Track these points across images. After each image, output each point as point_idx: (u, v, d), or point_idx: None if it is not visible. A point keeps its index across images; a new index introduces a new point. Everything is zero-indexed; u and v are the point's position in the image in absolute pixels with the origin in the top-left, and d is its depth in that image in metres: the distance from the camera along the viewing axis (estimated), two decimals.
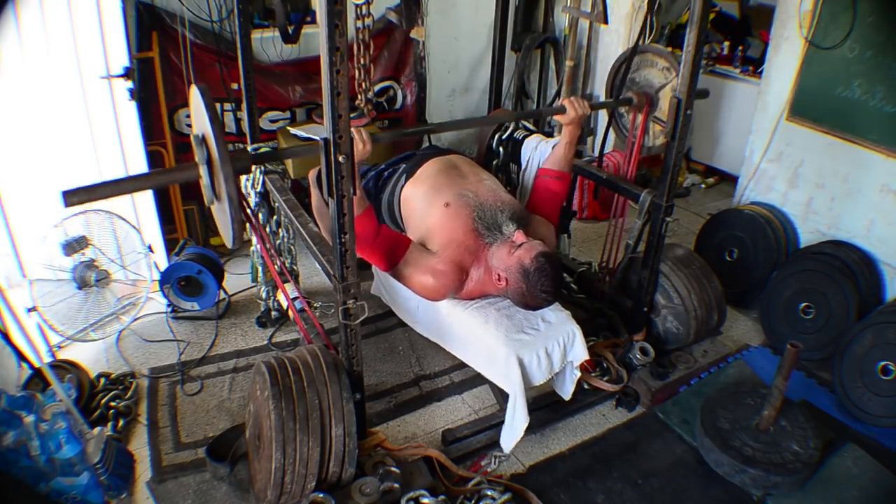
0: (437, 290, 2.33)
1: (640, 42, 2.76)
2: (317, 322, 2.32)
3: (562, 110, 2.51)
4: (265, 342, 2.99)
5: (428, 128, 2.27)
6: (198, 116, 1.82)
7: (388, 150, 3.43)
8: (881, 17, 2.86)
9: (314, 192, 2.91)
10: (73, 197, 1.60)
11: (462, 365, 2.68)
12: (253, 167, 2.82)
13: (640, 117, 2.73)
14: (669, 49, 4.57)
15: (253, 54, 2.83)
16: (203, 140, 1.74)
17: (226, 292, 3.19)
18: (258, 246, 2.96)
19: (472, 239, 2.33)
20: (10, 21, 2.64)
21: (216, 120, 1.67)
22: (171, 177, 1.97)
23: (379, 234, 2.26)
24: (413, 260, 2.31)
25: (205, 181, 1.75)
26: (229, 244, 1.82)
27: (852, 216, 3.14)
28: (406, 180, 2.58)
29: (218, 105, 3.49)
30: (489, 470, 2.34)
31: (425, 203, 2.45)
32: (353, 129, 1.86)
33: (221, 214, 1.85)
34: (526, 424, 2.26)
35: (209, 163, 1.73)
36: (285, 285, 2.47)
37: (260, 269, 3.01)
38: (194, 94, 1.77)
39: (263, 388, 1.93)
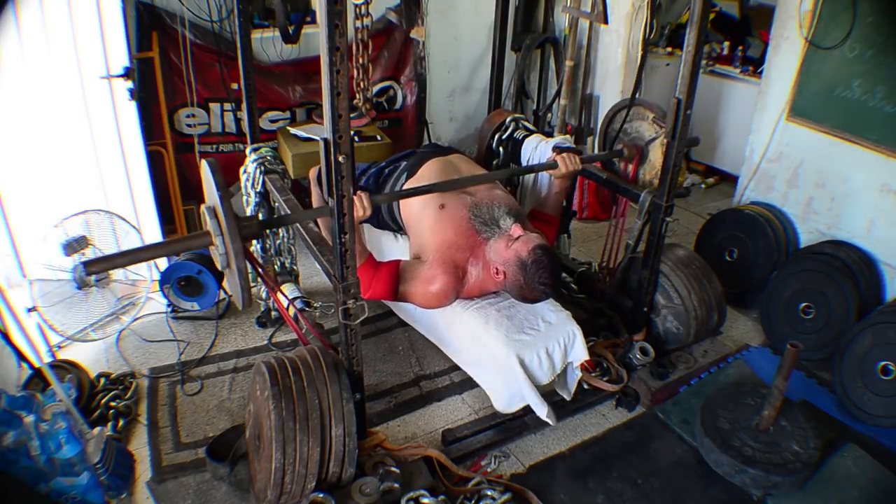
0: (438, 295, 2.32)
1: (647, 38, 2.80)
2: (312, 328, 2.32)
3: (553, 166, 2.54)
4: (265, 342, 2.99)
5: (430, 187, 2.34)
6: (209, 190, 1.89)
7: (388, 148, 3.44)
8: (881, 17, 2.86)
9: (315, 191, 2.91)
10: (93, 266, 1.75)
11: None
12: (252, 167, 2.83)
13: (630, 167, 2.79)
14: (669, 49, 4.60)
15: (253, 54, 2.83)
16: (214, 214, 1.81)
17: (226, 292, 3.18)
18: (257, 246, 2.97)
19: (466, 237, 2.34)
20: (10, 21, 2.64)
21: (227, 198, 1.77)
22: (185, 244, 2.01)
23: (377, 274, 2.30)
24: (408, 276, 2.33)
25: (219, 250, 1.82)
26: (240, 307, 1.90)
27: (852, 216, 3.14)
28: (406, 179, 2.58)
29: (217, 105, 3.49)
30: (489, 470, 2.34)
31: (422, 204, 2.45)
32: (354, 197, 1.92)
33: (232, 281, 1.92)
34: (546, 409, 2.30)
35: (221, 232, 1.80)
36: (282, 287, 2.48)
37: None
38: (204, 169, 1.86)
39: (263, 388, 1.93)
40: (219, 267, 1.90)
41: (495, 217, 2.35)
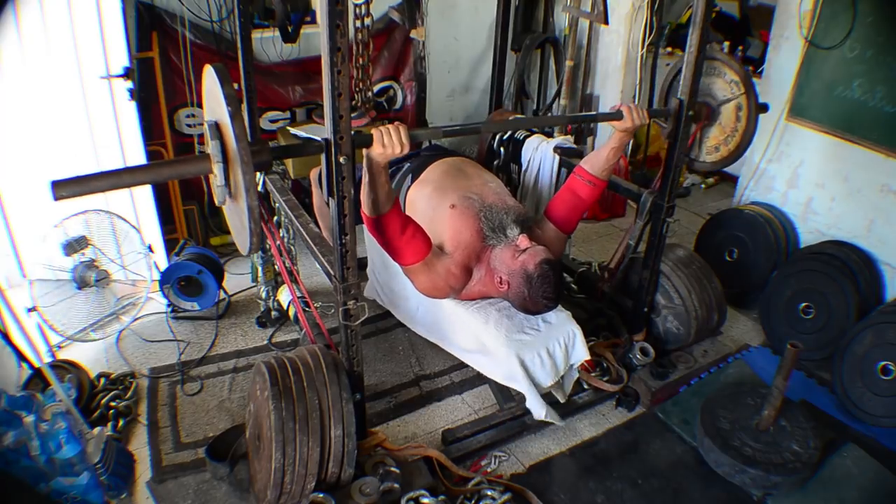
0: (442, 289, 2.33)
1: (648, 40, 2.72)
2: (320, 321, 2.32)
3: (618, 116, 2.32)
4: (265, 342, 2.99)
5: (474, 126, 2.19)
6: (212, 100, 1.64)
7: None
8: (881, 17, 2.86)
9: (316, 191, 2.90)
10: (63, 189, 1.39)
11: (462, 365, 2.67)
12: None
13: (693, 127, 2.53)
14: (670, 49, 4.59)
15: (253, 54, 2.83)
16: (218, 128, 1.56)
17: (226, 292, 3.19)
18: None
19: (477, 240, 2.33)
20: (10, 21, 2.64)
21: (234, 103, 1.48)
22: (176, 170, 1.72)
23: (405, 231, 2.18)
24: (431, 263, 2.28)
25: (218, 177, 1.58)
26: (244, 250, 1.65)
27: (852, 216, 3.14)
28: (412, 182, 2.58)
29: None
30: (489, 470, 2.34)
31: (430, 205, 2.44)
32: (380, 129, 1.82)
33: (236, 216, 1.68)
34: (543, 413, 2.29)
35: (224, 155, 1.57)
36: (282, 287, 2.46)
37: (260, 269, 3.01)
38: (209, 75, 1.59)
39: (263, 388, 1.92)
40: (217, 201, 1.64)
41: (503, 224, 2.32)
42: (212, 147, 1.56)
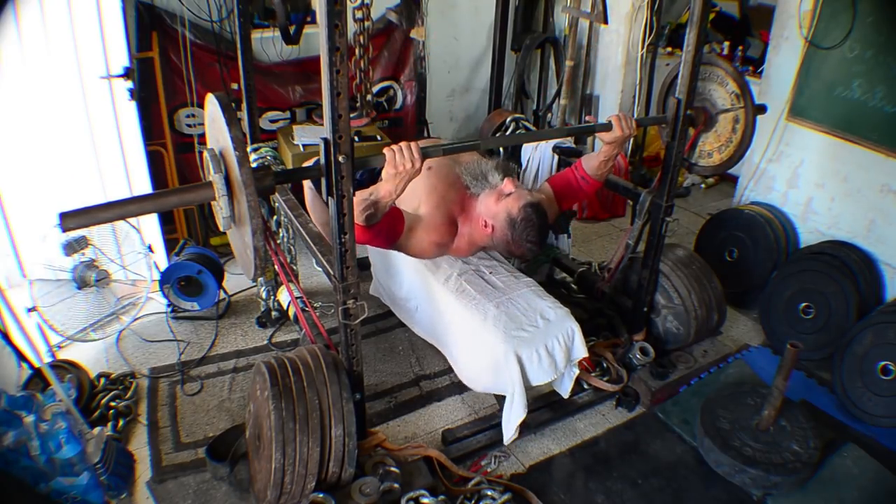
0: (430, 250, 2.35)
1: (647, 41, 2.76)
2: (318, 322, 2.32)
3: (608, 127, 2.34)
4: (265, 342, 2.99)
5: (473, 143, 2.27)
6: (214, 128, 1.67)
7: (379, 148, 3.43)
8: (881, 17, 2.86)
9: (308, 191, 2.90)
10: (71, 221, 1.44)
11: None
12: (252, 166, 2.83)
13: (690, 132, 2.53)
14: (669, 49, 4.60)
15: (253, 54, 2.83)
16: (221, 156, 1.58)
17: (226, 292, 3.19)
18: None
19: (456, 191, 2.36)
20: (10, 21, 2.64)
21: (237, 131, 1.49)
22: (181, 198, 1.72)
23: (384, 224, 2.23)
24: (410, 234, 2.31)
25: (222, 205, 1.61)
26: (249, 276, 1.66)
27: (852, 216, 3.14)
28: None
29: None
30: (489, 470, 2.34)
31: None
32: (394, 147, 1.85)
33: (239, 241, 1.69)
34: (524, 416, 2.27)
35: (228, 183, 1.60)
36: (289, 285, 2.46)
37: None
38: (211, 103, 1.60)
39: (263, 388, 1.93)
40: (222, 227, 1.68)
41: (484, 171, 2.36)
42: (213, 171, 1.59)
